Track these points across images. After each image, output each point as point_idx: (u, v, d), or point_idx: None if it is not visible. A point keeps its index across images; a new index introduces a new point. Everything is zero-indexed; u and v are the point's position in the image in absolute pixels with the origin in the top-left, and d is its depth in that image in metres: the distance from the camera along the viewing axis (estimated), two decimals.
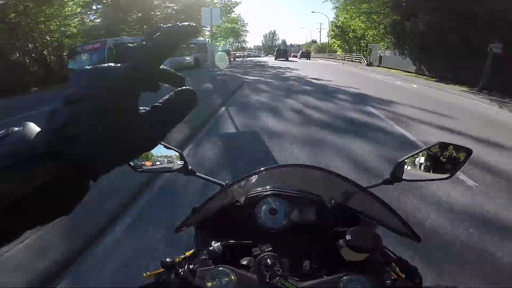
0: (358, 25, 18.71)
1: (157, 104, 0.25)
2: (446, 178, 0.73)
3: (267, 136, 4.14)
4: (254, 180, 0.74)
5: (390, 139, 4.03)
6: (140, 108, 0.24)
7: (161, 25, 0.25)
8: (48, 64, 14.18)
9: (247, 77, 12.61)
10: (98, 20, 19.09)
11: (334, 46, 34.71)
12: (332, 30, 32.21)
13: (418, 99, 7.31)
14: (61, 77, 12.73)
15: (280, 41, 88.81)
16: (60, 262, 1.78)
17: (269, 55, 60.81)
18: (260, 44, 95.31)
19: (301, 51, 42.66)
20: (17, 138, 0.20)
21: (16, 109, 6.62)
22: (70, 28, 15.79)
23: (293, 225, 0.70)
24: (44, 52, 14.50)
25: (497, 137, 4.07)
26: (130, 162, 0.70)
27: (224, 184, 0.82)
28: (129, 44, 0.25)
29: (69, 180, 0.21)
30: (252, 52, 61.30)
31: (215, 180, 0.86)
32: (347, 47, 31.42)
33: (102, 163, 0.22)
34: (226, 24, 35.89)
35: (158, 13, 21.38)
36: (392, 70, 18.07)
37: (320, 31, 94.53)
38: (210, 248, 0.61)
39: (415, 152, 0.73)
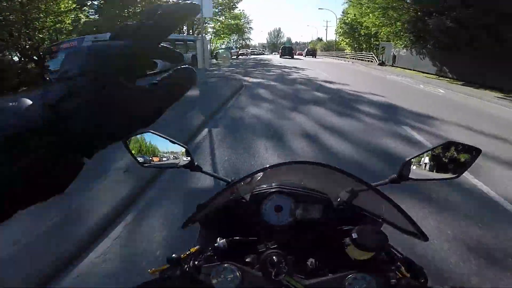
0: (371, 22, 17.15)
1: (156, 81, 0.25)
2: (454, 178, 0.72)
3: None
4: (259, 177, 0.74)
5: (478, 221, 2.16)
6: (140, 85, 0.24)
7: (160, 2, 0.20)
8: (41, 64, 13.19)
9: (247, 79, 10.70)
10: (94, 17, 18.25)
11: (342, 44, 33.22)
12: (340, 27, 30.78)
13: (458, 111, 5.97)
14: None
15: (285, 39, 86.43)
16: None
17: (273, 53, 59.36)
18: (265, 41, 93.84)
19: (306, 49, 42.39)
20: (11, 113, 0.20)
21: None
22: (66, 24, 15.30)
23: (298, 223, 0.70)
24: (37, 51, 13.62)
25: None
26: (138, 158, 0.74)
27: (229, 180, 0.81)
28: (129, 23, 0.25)
29: (63, 156, 0.21)
30: (256, 49, 58.44)
31: (221, 176, 0.86)
32: (356, 45, 29.94)
33: (98, 138, 0.22)
34: (229, 20, 34.73)
35: None
36: (407, 70, 16.81)
37: (326, 29, 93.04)
38: (216, 245, 0.61)
39: (423, 151, 0.71)
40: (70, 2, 14.92)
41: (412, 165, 0.71)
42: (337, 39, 35.73)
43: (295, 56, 32.62)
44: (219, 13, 32.62)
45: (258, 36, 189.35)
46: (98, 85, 0.21)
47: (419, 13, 13.03)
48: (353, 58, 27.45)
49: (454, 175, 0.71)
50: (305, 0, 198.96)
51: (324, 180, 0.78)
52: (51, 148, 0.20)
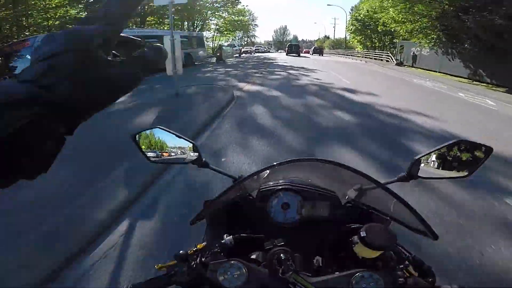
0: (391, 17, 15.07)
1: (134, 54, 0.28)
2: (465, 177, 0.70)
3: None
4: (267, 174, 0.73)
5: None
6: (117, 58, 0.28)
7: None
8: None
9: (243, 86, 8.48)
10: (85, 13, 16.76)
11: (353, 42, 31.07)
12: (351, 24, 28.62)
13: None
14: None
15: (291, 37, 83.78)
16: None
17: (279, 51, 57.02)
18: (271, 39, 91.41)
19: (313, 47, 40.77)
20: None
21: None
22: (55, 21, 14.77)
23: (305, 220, 0.70)
24: None
25: None
26: (147, 153, 0.77)
27: (237, 177, 0.82)
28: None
29: (46, 127, 0.21)
30: (261, 47, 55.33)
31: (228, 173, 0.86)
32: (368, 43, 27.81)
33: (80, 107, 0.23)
34: (232, 16, 32.82)
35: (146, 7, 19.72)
36: (431, 72, 14.77)
37: (334, 26, 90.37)
38: (222, 241, 0.60)
39: (433, 149, 0.69)
40: None
41: (421, 164, 0.69)
42: (347, 36, 33.52)
43: (301, 54, 30.79)
44: (221, 8, 30.73)
45: (264, 34, 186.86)
46: (79, 60, 0.22)
47: (452, 8, 11.00)
48: (364, 57, 25.38)
49: (465, 174, 0.69)
50: None
51: (331, 178, 0.77)
52: (33, 119, 0.19)
